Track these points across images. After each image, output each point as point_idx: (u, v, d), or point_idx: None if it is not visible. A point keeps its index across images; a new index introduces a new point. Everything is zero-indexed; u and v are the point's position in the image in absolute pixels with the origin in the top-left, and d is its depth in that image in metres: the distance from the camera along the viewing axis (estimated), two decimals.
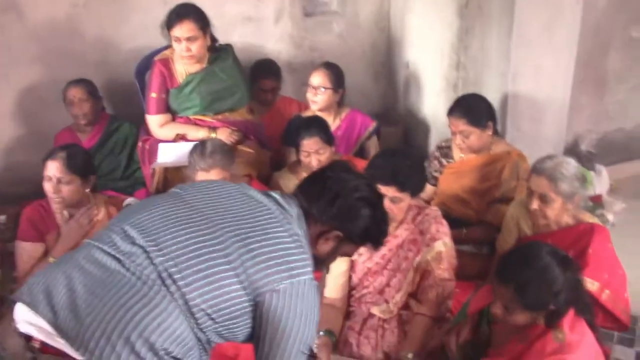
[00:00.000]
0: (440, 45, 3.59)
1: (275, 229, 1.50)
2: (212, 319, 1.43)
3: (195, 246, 1.44)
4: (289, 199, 1.61)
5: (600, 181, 3.84)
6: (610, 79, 3.74)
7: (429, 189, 3.21)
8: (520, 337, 1.94)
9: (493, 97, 3.17)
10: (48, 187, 2.53)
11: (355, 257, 2.53)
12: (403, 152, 2.56)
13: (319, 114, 3.36)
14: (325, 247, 1.66)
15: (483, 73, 3.30)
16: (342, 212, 1.62)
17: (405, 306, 2.48)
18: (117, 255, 1.45)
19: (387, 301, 2.49)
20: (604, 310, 2.46)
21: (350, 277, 2.57)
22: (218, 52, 3.17)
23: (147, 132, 3.23)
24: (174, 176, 3.02)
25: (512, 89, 3.15)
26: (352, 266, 2.55)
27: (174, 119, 3.18)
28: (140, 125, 3.34)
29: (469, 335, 2.18)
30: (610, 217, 3.59)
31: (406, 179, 2.34)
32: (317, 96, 3.38)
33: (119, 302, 1.37)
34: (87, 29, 3.52)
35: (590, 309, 1.99)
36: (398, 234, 2.48)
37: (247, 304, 1.45)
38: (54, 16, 3.44)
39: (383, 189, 2.33)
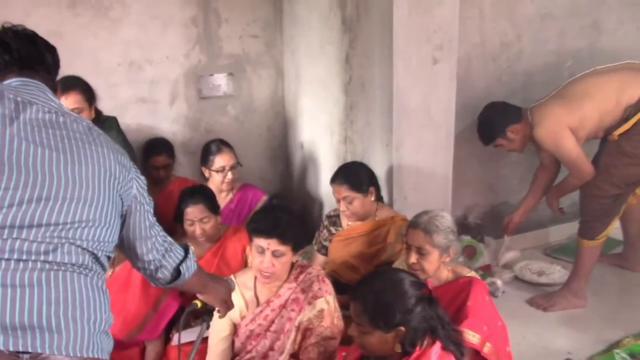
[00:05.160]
0: (329, 123, 3.74)
1: None
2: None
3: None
4: None
5: (490, 252, 3.98)
6: (492, 155, 3.96)
7: (319, 258, 3.24)
8: None
9: (380, 168, 3.29)
10: None
11: (237, 320, 2.47)
12: (284, 207, 2.58)
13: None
14: None
15: (369, 145, 3.43)
16: None
17: None
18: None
19: None
20: None
21: (233, 343, 2.49)
22: (102, 123, 3.16)
23: None
24: None
25: (396, 159, 3.27)
26: (234, 330, 2.49)
27: None
28: None
29: None
30: (500, 285, 3.70)
31: (287, 231, 2.35)
32: (228, 176, 3.45)
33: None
34: None
35: (460, 348, 1.99)
36: (281, 294, 2.45)
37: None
38: None
39: (264, 242, 2.33)
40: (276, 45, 4.16)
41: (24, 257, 1.30)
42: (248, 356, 2.46)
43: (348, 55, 3.43)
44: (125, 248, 1.64)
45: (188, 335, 2.51)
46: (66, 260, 1.35)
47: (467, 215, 4.04)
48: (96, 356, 1.37)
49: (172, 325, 2.80)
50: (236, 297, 2.43)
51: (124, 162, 1.56)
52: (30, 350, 1.26)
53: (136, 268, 1.71)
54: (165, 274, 1.71)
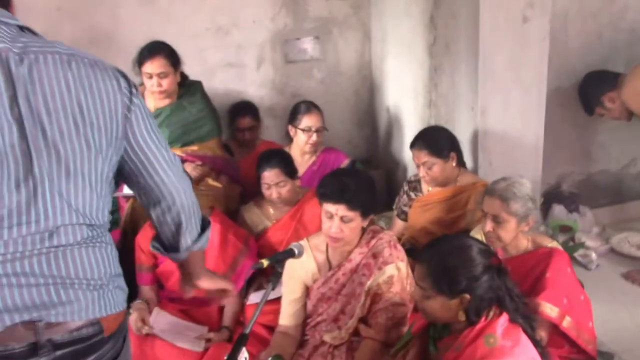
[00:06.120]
0: (414, 86, 3.65)
1: None
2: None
3: None
4: None
5: (585, 222, 3.77)
6: (589, 120, 3.72)
7: (399, 224, 3.20)
8: (455, 347, 1.86)
9: (464, 132, 3.19)
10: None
11: (310, 282, 2.49)
12: (353, 172, 2.56)
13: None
14: None
15: (454, 109, 3.32)
16: None
17: (356, 332, 2.41)
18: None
19: (339, 328, 2.43)
20: (568, 340, 2.37)
21: (305, 305, 2.53)
22: (187, 87, 3.25)
23: None
24: (142, 209, 3.03)
25: (481, 124, 3.15)
26: (307, 292, 2.52)
27: None
28: None
29: (416, 358, 2.11)
30: (594, 257, 3.50)
31: (354, 197, 2.32)
32: (313, 138, 3.46)
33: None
34: None
35: (530, 321, 1.91)
36: (352, 258, 2.44)
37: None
38: None
39: (332, 208, 2.33)
40: (363, 8, 4.09)
41: (28, 247, 1.29)
42: (319, 319, 2.48)
43: (433, 15, 3.31)
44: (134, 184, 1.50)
45: (259, 296, 2.57)
46: (64, 242, 1.33)
47: (560, 183, 3.84)
48: (111, 312, 1.40)
49: (249, 286, 2.88)
50: (308, 260, 2.47)
51: (101, 87, 1.33)
52: (44, 320, 1.29)
53: (149, 211, 1.58)
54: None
